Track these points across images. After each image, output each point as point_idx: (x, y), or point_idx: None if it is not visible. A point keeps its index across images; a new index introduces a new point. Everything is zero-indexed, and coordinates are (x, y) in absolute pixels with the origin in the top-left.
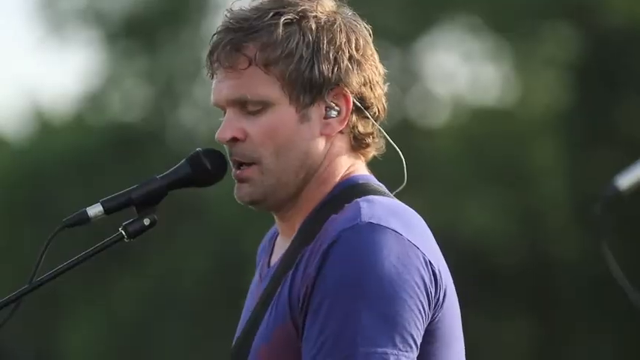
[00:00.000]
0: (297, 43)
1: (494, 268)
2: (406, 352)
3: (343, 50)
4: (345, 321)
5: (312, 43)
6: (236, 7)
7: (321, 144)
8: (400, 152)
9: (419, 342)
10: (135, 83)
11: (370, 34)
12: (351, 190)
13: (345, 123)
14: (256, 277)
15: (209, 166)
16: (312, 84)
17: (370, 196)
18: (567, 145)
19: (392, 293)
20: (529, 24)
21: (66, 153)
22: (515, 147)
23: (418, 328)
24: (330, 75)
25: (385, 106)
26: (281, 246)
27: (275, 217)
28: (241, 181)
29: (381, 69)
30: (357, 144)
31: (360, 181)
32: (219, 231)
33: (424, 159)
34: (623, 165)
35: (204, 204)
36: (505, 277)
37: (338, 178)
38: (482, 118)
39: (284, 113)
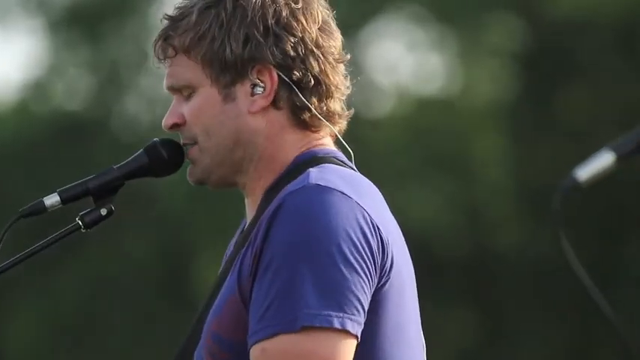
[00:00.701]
0: (210, 25)
1: (439, 258)
2: (352, 315)
3: (257, 25)
4: (290, 284)
5: (224, 23)
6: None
7: (252, 121)
8: (340, 137)
9: (366, 306)
10: (79, 72)
11: (324, 7)
12: (307, 162)
13: (271, 98)
14: (225, 254)
15: (166, 156)
16: (227, 63)
17: (325, 164)
18: (511, 135)
19: (337, 255)
20: (474, 14)
21: (9, 141)
22: (460, 137)
23: (365, 292)
24: (241, 52)
25: (334, 77)
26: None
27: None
28: (190, 163)
29: (325, 40)
30: (297, 119)
31: (319, 154)
32: (164, 220)
33: (368, 149)
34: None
35: (150, 193)
36: (450, 268)
37: (291, 154)
38: (426, 108)
39: (207, 95)
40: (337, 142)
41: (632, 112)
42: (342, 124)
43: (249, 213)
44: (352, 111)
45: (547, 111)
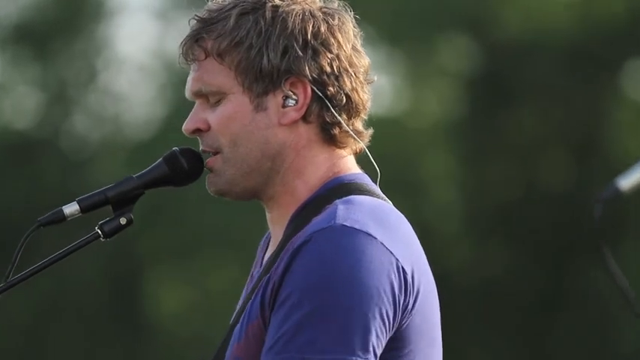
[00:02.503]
0: (248, 32)
1: None
2: (365, 358)
3: (296, 37)
4: (302, 324)
5: (263, 32)
6: (210, 3)
7: (280, 133)
8: (366, 149)
9: (378, 351)
10: (27, 90)
11: (353, 25)
12: (335, 190)
13: (303, 111)
14: (251, 272)
15: (185, 165)
16: (262, 72)
17: (352, 197)
18: (459, 155)
19: (355, 299)
20: (423, 35)
21: None
22: (408, 157)
23: (379, 337)
24: (278, 63)
25: (362, 96)
26: (273, 242)
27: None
28: (210, 171)
29: (357, 59)
30: (326, 135)
31: (346, 181)
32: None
33: None
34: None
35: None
36: None
37: (319, 175)
38: (375, 128)
39: (238, 102)
40: (359, 160)
41: (578, 133)
42: (366, 142)
43: (274, 230)
44: (371, 130)
45: (495, 131)
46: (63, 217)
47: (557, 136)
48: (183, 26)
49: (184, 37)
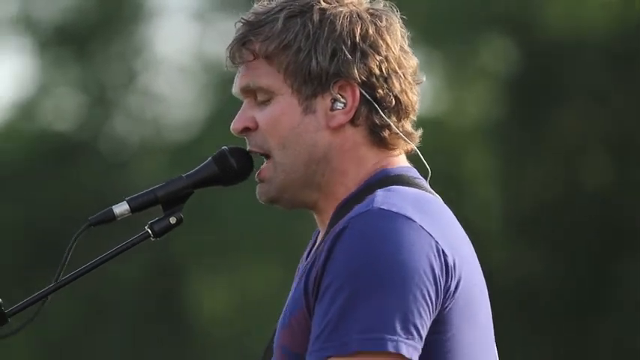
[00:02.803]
0: (296, 35)
1: None
2: (407, 339)
3: (344, 40)
4: (346, 307)
5: (311, 35)
6: (256, 5)
7: (328, 136)
8: (417, 149)
9: (423, 332)
10: (67, 92)
11: (400, 25)
12: (380, 182)
13: (351, 114)
14: (298, 267)
15: (235, 165)
16: (311, 75)
17: (393, 186)
18: (499, 156)
19: (396, 280)
20: (463, 36)
21: None
22: (448, 157)
23: (422, 317)
24: (327, 66)
25: (412, 98)
26: (320, 239)
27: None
28: (259, 181)
29: (405, 60)
30: (375, 137)
31: (392, 174)
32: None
33: None
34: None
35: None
36: None
37: (364, 172)
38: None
39: (287, 104)
40: (414, 161)
41: (618, 134)
42: (416, 144)
43: (321, 228)
44: (421, 131)
45: (535, 132)
46: (113, 217)
47: (597, 137)
48: (222, 27)
49: (231, 40)
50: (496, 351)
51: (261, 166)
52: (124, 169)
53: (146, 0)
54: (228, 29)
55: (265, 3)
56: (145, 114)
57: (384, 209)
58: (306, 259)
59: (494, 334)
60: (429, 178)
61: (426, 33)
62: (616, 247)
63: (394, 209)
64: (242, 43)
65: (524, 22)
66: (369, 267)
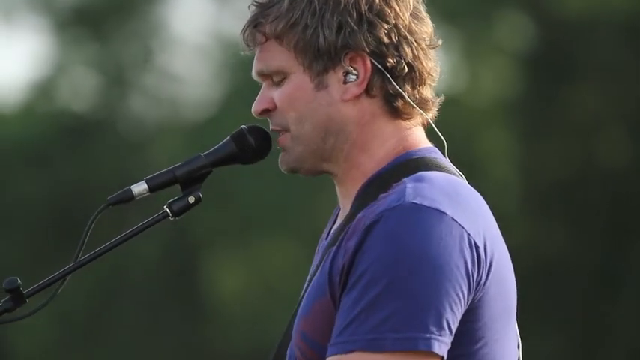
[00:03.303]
0: (302, 12)
1: None
2: (439, 335)
3: (350, 12)
4: (377, 301)
5: (317, 10)
6: None
7: (344, 109)
8: (430, 121)
9: (454, 326)
10: (84, 72)
11: None
12: (404, 166)
13: (364, 85)
14: (319, 244)
15: (253, 143)
16: (319, 51)
17: (421, 173)
18: (517, 133)
19: (428, 277)
20: (480, 12)
21: (15, 141)
22: (466, 135)
23: (454, 312)
24: (335, 39)
25: (426, 64)
26: (341, 215)
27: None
28: (281, 150)
29: (417, 26)
30: (391, 107)
31: (415, 157)
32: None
33: None
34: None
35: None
36: None
37: (385, 150)
38: None
39: (299, 81)
40: (429, 130)
41: (637, 110)
42: (434, 111)
43: (343, 204)
44: (442, 97)
45: (554, 108)
46: (132, 197)
47: (615, 113)
48: (239, 7)
49: (244, 23)
50: (517, 330)
51: (280, 136)
52: (141, 149)
53: None
54: (244, 8)
55: None
56: (162, 93)
57: (415, 203)
58: (327, 237)
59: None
60: (445, 151)
61: (442, 10)
62: (634, 223)
63: (426, 203)
64: (254, 25)
65: None
66: (401, 263)
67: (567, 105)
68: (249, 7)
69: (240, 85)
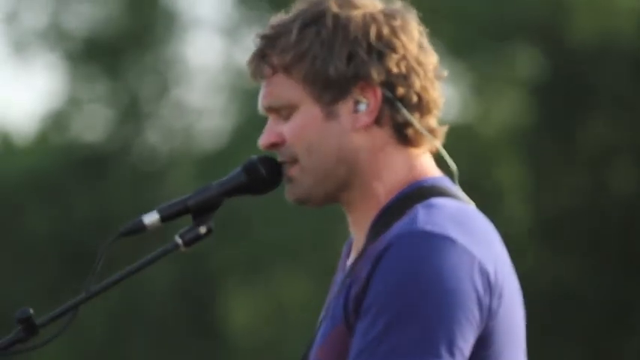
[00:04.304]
0: (311, 43)
1: None
2: None
3: (360, 42)
4: (386, 330)
5: (326, 41)
6: (272, 19)
7: (355, 138)
8: (441, 148)
9: (467, 353)
10: (99, 104)
11: (417, 23)
12: (416, 194)
13: (375, 114)
14: (334, 278)
15: (264, 174)
16: (329, 81)
17: (432, 200)
18: (529, 164)
19: (440, 304)
20: (491, 43)
21: (28, 174)
22: (477, 166)
23: (466, 339)
24: (345, 70)
25: (433, 94)
26: (355, 247)
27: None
28: (288, 181)
29: (424, 57)
30: (401, 136)
31: (427, 185)
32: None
33: None
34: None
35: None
36: None
37: (395, 179)
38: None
39: (309, 113)
40: (438, 159)
41: None
42: (441, 140)
43: (355, 232)
44: (447, 126)
45: (565, 139)
46: (143, 227)
47: (628, 144)
48: (251, 39)
49: (250, 55)
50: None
51: (289, 168)
52: (154, 181)
53: (175, 14)
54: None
55: (280, 15)
56: (174, 125)
57: (426, 231)
58: (344, 270)
59: (527, 344)
60: (456, 178)
61: (454, 42)
62: None
63: (437, 230)
64: (260, 57)
65: (552, 30)
66: (411, 290)
67: (578, 135)
68: (254, 39)
69: (253, 116)
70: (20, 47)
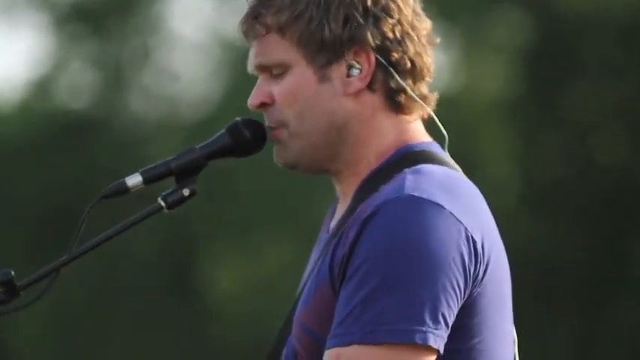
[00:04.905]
0: (307, 4)
1: None
2: (435, 329)
3: (356, 6)
4: (374, 294)
5: (322, 3)
6: None
7: (346, 103)
8: (433, 114)
9: (450, 320)
10: (83, 69)
11: None
12: (404, 159)
13: (367, 80)
14: (318, 238)
15: (248, 136)
16: (324, 44)
17: (420, 166)
18: (516, 131)
19: (425, 269)
20: (478, 9)
21: (12, 140)
22: (465, 134)
23: (450, 307)
24: (340, 33)
25: (426, 60)
26: (339, 209)
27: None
28: (276, 144)
29: (418, 22)
30: (393, 102)
31: (416, 150)
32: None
33: None
34: (571, 152)
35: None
36: None
37: (385, 145)
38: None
39: (302, 74)
40: (427, 127)
41: (636, 109)
42: (433, 106)
43: (343, 199)
44: (437, 94)
45: (552, 107)
46: (126, 189)
47: (614, 112)
48: (238, 4)
49: (243, 14)
50: (514, 329)
51: (277, 131)
52: (139, 148)
53: None
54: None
55: None
56: (160, 91)
57: (414, 196)
58: (328, 231)
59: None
60: (446, 145)
61: (441, 7)
62: (632, 224)
63: (424, 195)
64: (254, 16)
65: None
66: (397, 255)
67: (566, 103)
68: (248, 2)
69: (239, 83)
70: (6, 11)
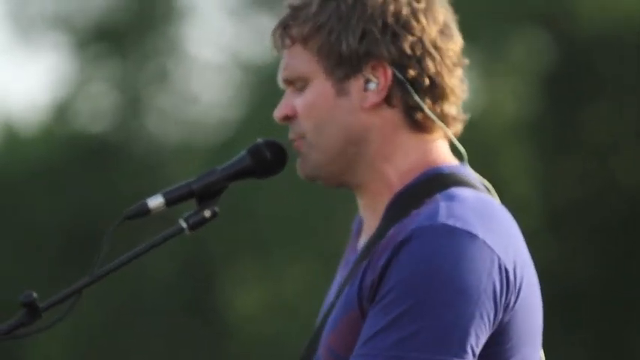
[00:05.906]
0: (329, 17)
1: None
2: (462, 359)
3: (375, 21)
4: (399, 320)
5: (343, 16)
6: None
7: (364, 117)
8: (450, 134)
9: (477, 350)
10: (103, 92)
11: (445, 8)
12: (433, 181)
13: (384, 94)
14: (345, 257)
15: (269, 157)
16: (342, 57)
17: (452, 190)
18: (536, 153)
19: (456, 299)
20: (497, 31)
21: (33, 163)
22: (485, 154)
23: (479, 337)
24: (357, 47)
25: (449, 80)
26: (366, 228)
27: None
28: (298, 156)
29: (443, 43)
30: (411, 120)
31: (445, 172)
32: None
33: None
34: (591, 172)
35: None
36: None
37: (410, 162)
38: None
39: (321, 87)
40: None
41: None
42: (457, 128)
43: (366, 216)
44: (468, 115)
45: (572, 127)
46: (148, 210)
47: (633, 132)
48: (257, 25)
49: (275, 25)
50: (542, 352)
51: (296, 142)
52: (158, 171)
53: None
54: (262, 27)
55: None
56: (179, 114)
57: (448, 225)
58: (354, 249)
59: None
60: (466, 164)
61: (461, 27)
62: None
63: (458, 225)
64: (283, 27)
65: (559, 16)
66: (429, 283)
67: (586, 123)
68: (283, 9)
69: (258, 106)
70: (26, 33)
